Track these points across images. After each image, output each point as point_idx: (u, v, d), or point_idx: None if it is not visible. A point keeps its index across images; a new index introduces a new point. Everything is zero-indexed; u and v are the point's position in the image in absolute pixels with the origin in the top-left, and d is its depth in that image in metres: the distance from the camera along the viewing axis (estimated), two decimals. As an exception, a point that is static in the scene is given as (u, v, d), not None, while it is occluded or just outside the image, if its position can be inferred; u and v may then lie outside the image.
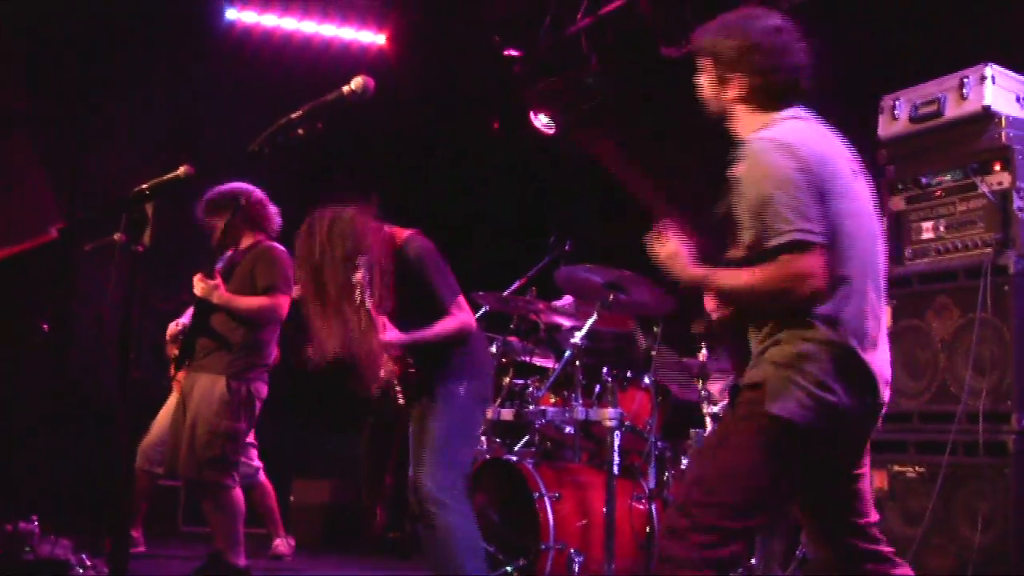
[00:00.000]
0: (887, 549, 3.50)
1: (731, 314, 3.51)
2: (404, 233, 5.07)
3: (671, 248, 3.46)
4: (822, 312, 3.25)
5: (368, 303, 4.76)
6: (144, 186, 3.52)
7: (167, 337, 6.80)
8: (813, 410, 3.22)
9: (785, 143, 3.29)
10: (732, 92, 3.54)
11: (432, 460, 4.87)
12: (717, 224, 3.56)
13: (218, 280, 5.90)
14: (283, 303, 6.08)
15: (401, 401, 5.06)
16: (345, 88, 3.59)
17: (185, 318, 6.24)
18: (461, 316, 4.99)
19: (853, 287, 3.31)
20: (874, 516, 3.53)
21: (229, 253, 6.27)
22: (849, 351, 3.26)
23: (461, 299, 5.04)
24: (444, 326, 4.94)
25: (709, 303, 3.63)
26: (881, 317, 3.42)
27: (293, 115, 3.53)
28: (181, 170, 3.61)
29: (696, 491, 3.38)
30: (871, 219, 3.47)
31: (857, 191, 3.43)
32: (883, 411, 3.40)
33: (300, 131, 3.54)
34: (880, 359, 3.36)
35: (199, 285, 5.87)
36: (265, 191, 6.39)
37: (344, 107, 3.59)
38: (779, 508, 3.66)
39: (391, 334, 4.82)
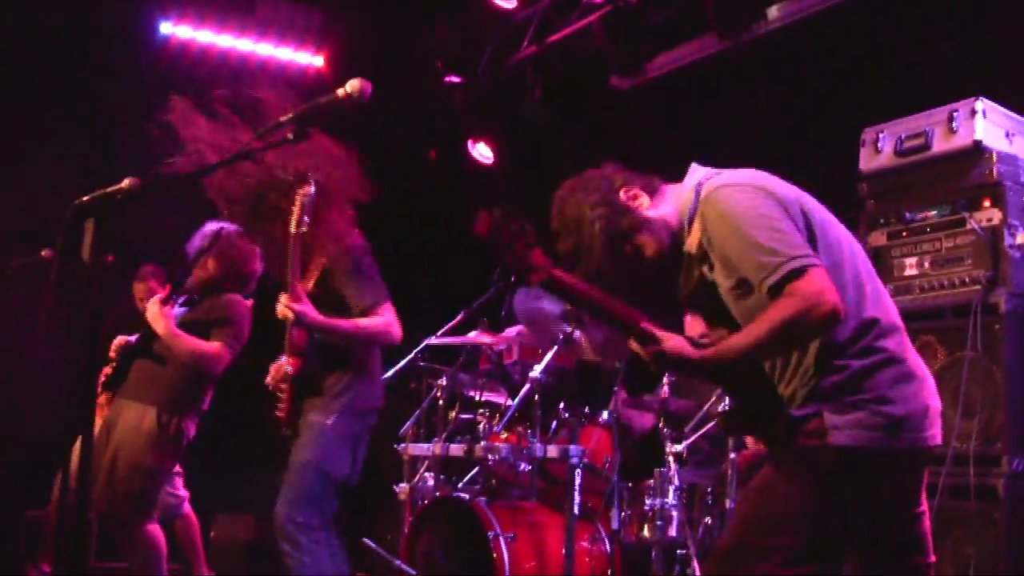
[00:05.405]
0: None
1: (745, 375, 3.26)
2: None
3: (670, 343, 3.11)
4: (847, 335, 3.06)
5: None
6: (85, 199, 3.29)
7: (111, 351, 6.44)
8: (878, 427, 3.01)
9: (745, 183, 3.15)
10: (637, 202, 3.37)
11: (289, 493, 4.72)
12: (686, 305, 3.43)
13: (171, 311, 5.65)
14: (224, 356, 5.79)
15: (280, 414, 4.86)
16: (340, 91, 3.36)
17: (134, 337, 5.92)
18: (387, 320, 4.85)
19: (865, 302, 3.14)
20: (932, 558, 3.33)
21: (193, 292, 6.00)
22: (891, 356, 3.08)
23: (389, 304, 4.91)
24: (364, 324, 4.80)
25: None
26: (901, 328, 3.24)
27: (283, 118, 3.32)
28: (126, 182, 3.38)
29: (747, 536, 3.12)
30: (853, 241, 3.32)
31: (831, 217, 3.28)
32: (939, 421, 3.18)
33: (289, 136, 3.33)
34: (918, 362, 3.19)
35: (152, 308, 5.64)
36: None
37: (338, 111, 3.37)
38: (843, 551, 3.27)
39: (304, 306, 4.68)
